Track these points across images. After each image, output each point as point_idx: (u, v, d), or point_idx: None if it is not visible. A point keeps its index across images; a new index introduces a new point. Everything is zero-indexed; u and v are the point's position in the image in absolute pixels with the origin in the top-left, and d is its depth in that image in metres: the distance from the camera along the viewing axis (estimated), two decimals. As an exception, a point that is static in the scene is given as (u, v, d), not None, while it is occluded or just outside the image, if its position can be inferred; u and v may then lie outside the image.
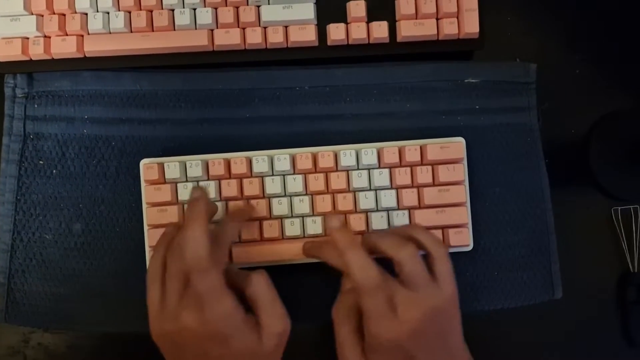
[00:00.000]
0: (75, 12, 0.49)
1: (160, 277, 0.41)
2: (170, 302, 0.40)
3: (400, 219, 0.48)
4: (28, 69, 0.50)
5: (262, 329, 0.40)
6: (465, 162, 0.49)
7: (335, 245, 0.42)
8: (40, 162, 0.50)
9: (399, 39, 0.50)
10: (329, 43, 0.50)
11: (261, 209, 0.48)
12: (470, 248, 0.49)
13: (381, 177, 0.48)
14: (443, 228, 0.49)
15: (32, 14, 0.49)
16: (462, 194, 0.49)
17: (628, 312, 0.52)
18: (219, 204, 0.48)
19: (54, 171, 0.50)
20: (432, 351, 0.41)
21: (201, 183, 0.48)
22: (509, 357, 0.52)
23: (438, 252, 0.42)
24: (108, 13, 0.49)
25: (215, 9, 0.49)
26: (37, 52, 0.49)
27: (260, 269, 0.43)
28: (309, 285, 0.50)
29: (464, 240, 0.49)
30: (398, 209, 0.49)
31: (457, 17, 0.50)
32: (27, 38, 0.49)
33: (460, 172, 0.49)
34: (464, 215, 0.49)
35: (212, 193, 0.48)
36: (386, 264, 0.42)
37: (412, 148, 0.48)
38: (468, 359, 0.43)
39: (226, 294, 0.39)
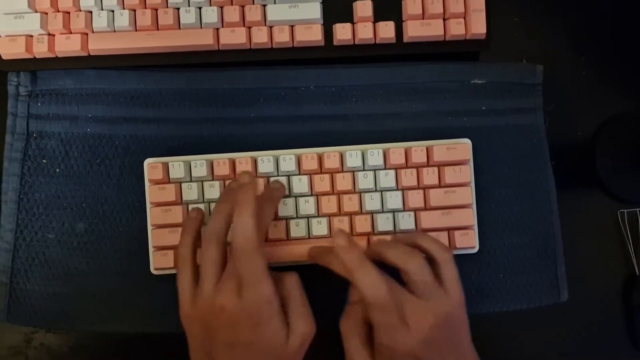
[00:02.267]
0: (80, 10, 0.48)
1: (191, 261, 0.42)
2: (207, 285, 0.40)
3: (406, 220, 0.48)
4: (32, 67, 0.50)
5: (290, 328, 0.40)
6: (471, 163, 0.49)
7: (343, 264, 0.42)
8: (44, 160, 0.50)
9: (405, 39, 0.50)
10: (335, 43, 0.50)
11: (266, 210, 0.48)
12: (476, 250, 0.49)
13: (387, 178, 0.48)
14: (449, 230, 0.48)
15: (37, 11, 0.48)
16: (468, 195, 0.48)
17: (634, 315, 0.52)
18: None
19: (57, 170, 0.50)
20: (443, 357, 0.41)
21: (206, 183, 0.48)
22: (513, 359, 0.52)
23: (444, 258, 0.42)
24: (113, 11, 0.49)
25: (221, 7, 0.49)
26: (41, 50, 0.49)
27: (292, 271, 0.43)
28: (314, 286, 0.49)
29: (469, 242, 0.48)
30: (404, 210, 0.48)
31: (464, 18, 0.50)
32: (31, 36, 0.49)
33: (467, 173, 0.48)
34: (470, 217, 0.49)
35: (217, 193, 0.47)
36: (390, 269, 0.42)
37: (418, 149, 0.48)
38: (475, 358, 0.43)
39: (268, 279, 0.39)
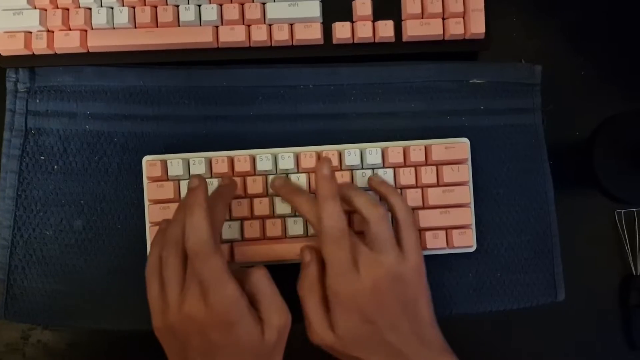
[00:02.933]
0: (79, 7, 0.48)
1: (158, 272, 0.41)
2: (172, 294, 0.39)
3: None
4: (30, 63, 0.50)
5: (264, 322, 0.40)
6: (469, 162, 0.49)
7: (317, 192, 0.42)
8: (42, 157, 0.50)
9: (404, 39, 0.50)
10: (334, 41, 0.50)
11: (264, 208, 0.48)
12: (473, 249, 0.49)
13: (385, 177, 0.48)
14: (447, 229, 0.49)
15: (36, 8, 0.48)
16: (466, 194, 0.49)
17: (630, 315, 0.52)
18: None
19: (55, 167, 0.50)
20: (394, 321, 0.41)
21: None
22: (509, 357, 0.52)
23: (406, 220, 0.43)
24: (112, 8, 0.49)
25: (220, 5, 0.49)
26: (40, 46, 0.49)
27: (259, 266, 0.42)
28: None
29: (467, 241, 0.49)
30: (402, 209, 0.48)
31: (463, 17, 0.50)
32: (30, 32, 0.49)
33: (465, 172, 0.48)
34: (468, 216, 0.49)
35: (215, 191, 0.47)
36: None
37: (416, 148, 0.48)
38: (437, 335, 0.42)
39: (230, 279, 0.38)
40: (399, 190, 0.48)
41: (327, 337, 0.41)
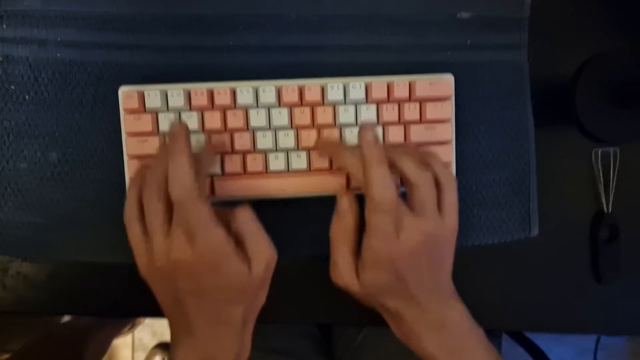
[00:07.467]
0: None
1: (138, 215, 0.41)
2: (157, 238, 0.39)
3: (386, 155, 0.48)
4: (-6, -16, 0.47)
5: (251, 259, 0.40)
6: (453, 99, 0.49)
7: (362, 157, 0.41)
8: (12, 87, 0.48)
9: (391, -33, 0.48)
10: (318, -32, 0.48)
11: (245, 142, 0.47)
12: (453, 185, 0.50)
13: (368, 113, 0.48)
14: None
15: None
16: (448, 131, 0.48)
17: (599, 250, 0.54)
18: (201, 136, 0.47)
19: (27, 97, 0.48)
20: (421, 276, 0.42)
21: (183, 114, 0.46)
22: (483, 290, 0.54)
23: (449, 182, 0.43)
24: None
25: None
26: (3, -34, 0.45)
27: (244, 205, 0.42)
28: (292, 219, 0.50)
29: (447, 178, 0.49)
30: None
31: (453, -54, 0.48)
32: (-8, -50, 0.45)
33: (448, 109, 0.48)
34: (449, 153, 0.49)
35: (195, 124, 0.46)
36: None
37: (400, 83, 0.47)
38: (452, 292, 0.44)
39: (216, 222, 0.39)
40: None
41: (352, 283, 0.43)
